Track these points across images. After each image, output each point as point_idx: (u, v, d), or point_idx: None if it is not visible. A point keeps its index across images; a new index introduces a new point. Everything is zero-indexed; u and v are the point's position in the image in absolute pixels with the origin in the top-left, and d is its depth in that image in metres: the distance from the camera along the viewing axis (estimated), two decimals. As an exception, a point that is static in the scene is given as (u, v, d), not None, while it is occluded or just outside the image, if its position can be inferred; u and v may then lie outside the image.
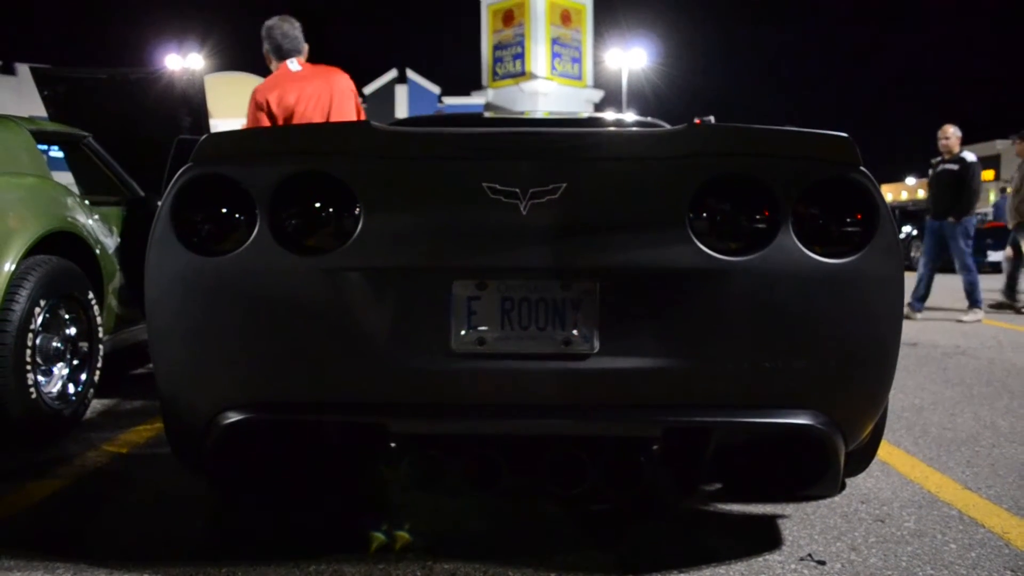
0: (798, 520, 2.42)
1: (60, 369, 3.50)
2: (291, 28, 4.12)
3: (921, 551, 2.21)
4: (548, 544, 2.26)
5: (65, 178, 4.96)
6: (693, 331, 1.91)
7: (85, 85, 5.86)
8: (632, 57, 36.62)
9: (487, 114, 3.70)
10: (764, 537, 2.30)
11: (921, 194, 62.62)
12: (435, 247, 1.91)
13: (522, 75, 39.42)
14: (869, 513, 2.49)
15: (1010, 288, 8.91)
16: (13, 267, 3.15)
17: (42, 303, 3.27)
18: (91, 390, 3.65)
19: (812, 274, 1.90)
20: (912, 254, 17.47)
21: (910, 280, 8.16)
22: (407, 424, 2.00)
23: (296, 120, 3.61)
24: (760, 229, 1.93)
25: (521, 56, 39.60)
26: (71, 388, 3.52)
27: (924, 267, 8.31)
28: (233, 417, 1.93)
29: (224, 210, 1.97)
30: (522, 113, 4.03)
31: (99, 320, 3.72)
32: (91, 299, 3.65)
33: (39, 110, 5.86)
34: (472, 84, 41.42)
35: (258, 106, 3.74)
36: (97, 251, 3.82)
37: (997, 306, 8.93)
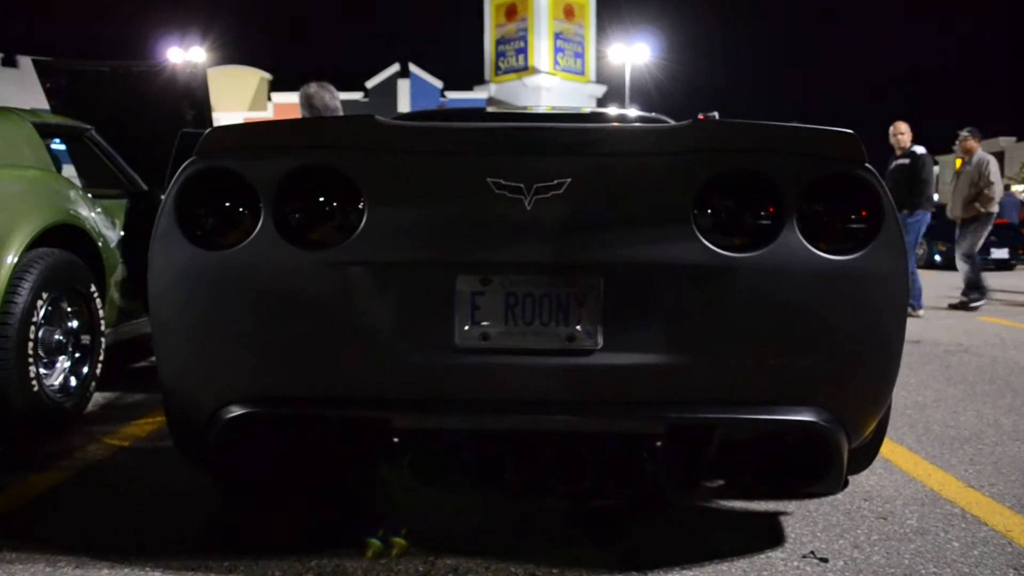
0: (800, 517, 2.41)
1: (62, 362, 3.50)
2: (332, 99, 4.09)
3: (924, 549, 2.21)
4: (550, 540, 2.26)
5: (67, 171, 4.97)
6: (697, 327, 1.91)
7: (87, 78, 5.85)
8: (635, 52, 36.57)
9: (490, 109, 3.68)
10: (767, 534, 2.30)
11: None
12: (439, 242, 1.90)
13: (525, 70, 39.38)
14: (872, 511, 2.49)
15: (971, 286, 8.73)
16: (16, 260, 3.15)
17: (44, 296, 3.26)
18: (93, 383, 3.65)
19: (816, 271, 1.89)
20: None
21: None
22: (410, 419, 2.00)
23: None
24: (765, 225, 1.92)
25: (524, 51, 39.56)
26: (73, 381, 3.52)
27: None
28: (236, 411, 1.92)
29: (228, 204, 1.97)
30: (525, 108, 4.02)
31: (101, 313, 3.72)
32: (93, 292, 3.65)
33: (41, 103, 5.86)
34: (475, 78, 41.39)
35: None
36: (99, 244, 3.82)
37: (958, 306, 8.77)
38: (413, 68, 39.83)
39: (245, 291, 1.92)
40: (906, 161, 8.08)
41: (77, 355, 3.58)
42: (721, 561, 2.11)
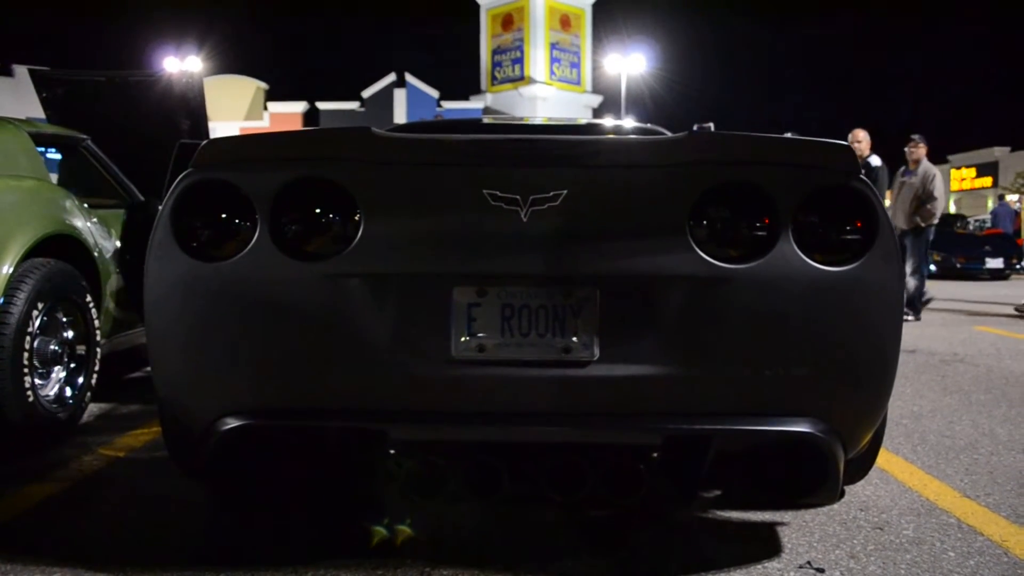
0: (797, 527, 2.41)
1: (57, 372, 3.49)
2: None
3: (920, 559, 2.21)
4: (547, 551, 2.25)
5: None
6: (693, 339, 1.91)
7: (83, 88, 5.86)
8: (631, 62, 36.65)
9: (486, 119, 3.69)
10: (763, 544, 2.30)
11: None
12: (435, 253, 1.91)
13: (521, 80, 39.51)
14: (868, 521, 2.49)
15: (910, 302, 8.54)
16: (11, 270, 3.14)
17: (40, 306, 3.26)
18: (88, 393, 3.64)
19: (812, 282, 1.90)
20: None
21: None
22: (407, 431, 2.00)
23: None
24: (760, 237, 1.93)
25: (520, 61, 39.70)
26: (68, 391, 3.51)
27: None
28: (232, 423, 1.92)
29: (224, 215, 1.97)
30: (521, 118, 4.03)
31: (97, 323, 3.71)
32: (89, 302, 3.65)
33: (37, 112, 5.86)
34: (471, 88, 41.52)
35: None
36: (95, 254, 3.82)
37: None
38: (409, 78, 39.90)
39: (241, 303, 1.92)
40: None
41: (72, 365, 3.57)
42: (718, 572, 2.11)
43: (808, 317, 1.91)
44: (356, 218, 1.90)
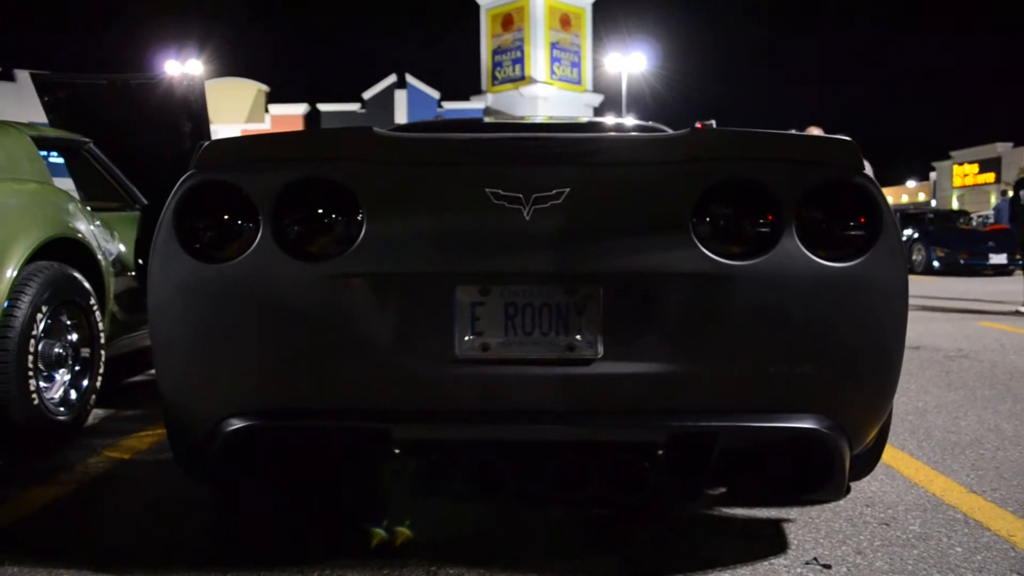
0: (803, 524, 2.41)
1: (62, 375, 3.49)
2: None
3: (927, 554, 2.21)
4: (553, 549, 2.25)
5: (66, 184, 4.97)
6: (697, 336, 1.91)
7: (85, 91, 5.86)
8: (632, 61, 36.65)
9: (487, 119, 3.69)
10: (769, 541, 2.29)
11: (921, 197, 62.70)
12: (438, 253, 1.90)
13: (521, 79, 39.51)
14: (874, 516, 2.49)
15: None
16: (15, 273, 3.15)
17: (44, 309, 3.26)
18: (93, 396, 3.64)
19: (816, 278, 1.89)
20: (913, 257, 17.50)
21: (913, 284, 8.15)
22: (411, 430, 1.99)
23: None
24: (764, 233, 1.93)
25: (520, 60, 39.70)
26: (73, 394, 3.51)
27: None
28: (236, 424, 1.92)
29: (227, 217, 1.97)
30: (522, 117, 4.03)
31: (101, 326, 3.72)
32: (93, 305, 3.65)
33: (39, 116, 5.87)
34: (471, 89, 41.54)
35: None
36: (99, 257, 3.82)
37: None
38: (410, 79, 39.95)
39: (244, 304, 1.92)
40: None
41: (77, 368, 3.58)
42: (724, 569, 2.11)
43: (812, 313, 1.90)
44: (359, 218, 1.90)
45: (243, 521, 2.52)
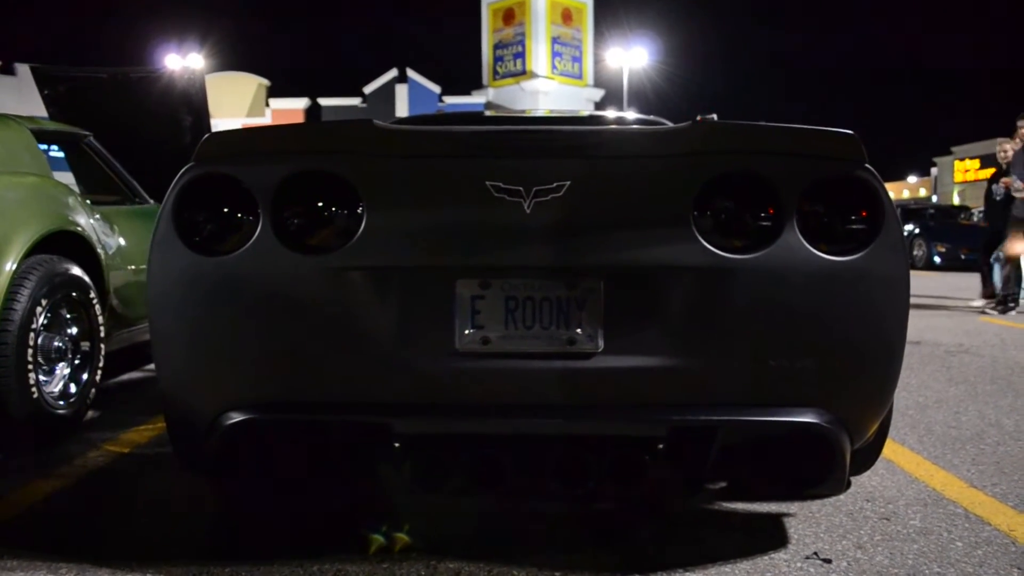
0: (803, 518, 2.41)
1: (62, 369, 3.49)
2: None
3: (927, 549, 2.21)
4: (553, 543, 2.25)
5: (66, 178, 4.97)
6: (698, 329, 1.90)
7: (85, 84, 5.85)
8: (633, 56, 36.56)
9: (488, 113, 3.68)
10: (769, 536, 2.29)
11: (923, 192, 62.63)
12: (438, 246, 1.90)
13: (523, 74, 39.47)
14: (875, 511, 2.49)
15: None
16: (15, 267, 3.14)
17: (43, 303, 3.26)
18: (93, 390, 3.64)
19: (817, 272, 1.89)
20: (915, 252, 17.49)
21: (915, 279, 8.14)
22: (411, 424, 1.99)
23: None
24: (765, 227, 1.92)
25: (522, 55, 39.65)
26: (73, 388, 3.51)
27: None
28: (236, 417, 1.92)
29: (226, 209, 1.96)
30: (523, 111, 4.02)
31: (100, 320, 3.71)
32: (92, 299, 3.64)
33: (39, 111, 5.86)
34: (473, 83, 41.51)
35: None
36: (99, 250, 3.81)
37: None
38: (411, 73, 39.90)
39: (244, 297, 1.92)
40: None
41: (77, 362, 3.58)
42: (724, 563, 2.11)
43: (813, 307, 1.90)
44: (359, 211, 1.90)
45: (242, 515, 2.52)
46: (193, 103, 5.90)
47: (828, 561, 2.12)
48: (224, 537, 2.37)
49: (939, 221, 18.79)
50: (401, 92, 39.80)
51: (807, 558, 2.14)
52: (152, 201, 4.73)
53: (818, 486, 2.09)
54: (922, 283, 12.25)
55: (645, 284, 1.91)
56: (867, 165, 1.95)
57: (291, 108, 39.68)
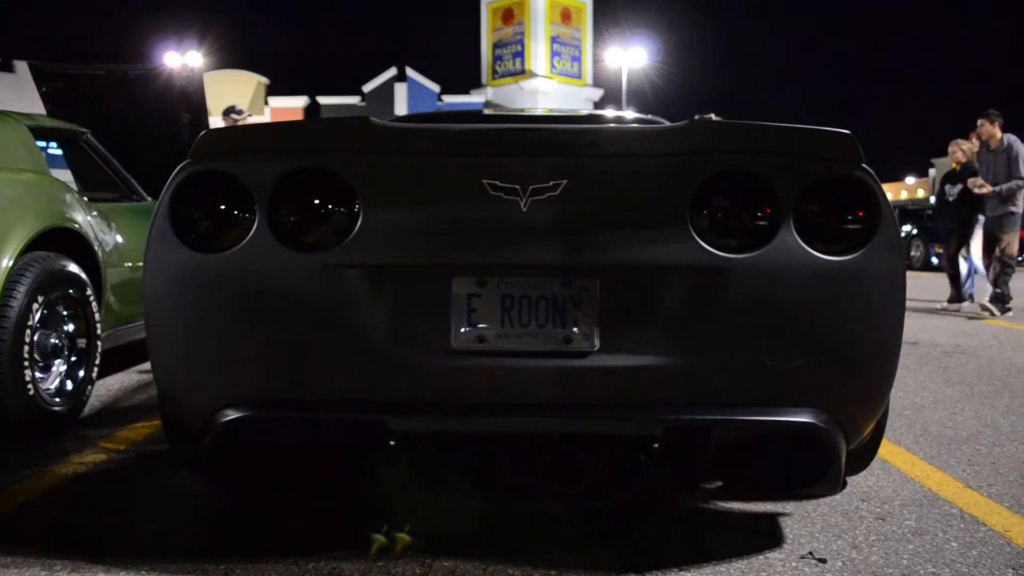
0: (799, 518, 2.41)
1: (58, 366, 3.49)
2: None
3: (922, 549, 2.21)
4: (548, 542, 2.25)
5: (63, 175, 4.96)
6: (694, 328, 1.90)
7: (84, 82, 5.85)
8: (632, 56, 36.57)
9: (487, 111, 3.67)
10: (765, 535, 2.29)
11: (921, 193, 62.62)
12: (435, 244, 1.90)
13: (522, 73, 39.44)
14: (870, 511, 2.49)
15: None
16: (11, 263, 3.14)
17: (40, 299, 3.26)
18: (89, 387, 3.64)
19: (814, 271, 1.89)
20: (912, 253, 17.48)
21: (912, 280, 8.15)
22: (407, 422, 1.99)
23: None
24: (761, 226, 1.92)
25: (521, 54, 39.63)
26: (69, 384, 3.51)
27: None
28: (231, 415, 1.91)
29: (223, 206, 1.96)
30: (522, 110, 4.02)
31: (97, 317, 3.71)
32: (89, 295, 3.64)
33: (38, 108, 5.85)
34: (472, 82, 41.47)
35: None
36: (96, 248, 3.81)
37: None
38: (410, 72, 39.88)
39: (240, 294, 1.91)
40: None
41: (73, 359, 3.57)
42: (719, 562, 2.11)
43: (809, 307, 1.90)
44: (355, 208, 1.89)
45: (238, 512, 2.51)
46: (191, 101, 5.89)
47: (823, 561, 2.12)
48: (219, 534, 2.37)
49: (937, 222, 18.77)
50: (400, 91, 39.77)
51: (802, 558, 2.14)
52: (150, 199, 4.72)
53: (814, 486, 2.09)
54: (920, 284, 12.26)
55: (641, 283, 1.91)
56: (864, 165, 1.95)
57: (290, 106, 39.65)
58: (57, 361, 3.48)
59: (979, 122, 8.31)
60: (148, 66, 6.18)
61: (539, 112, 3.90)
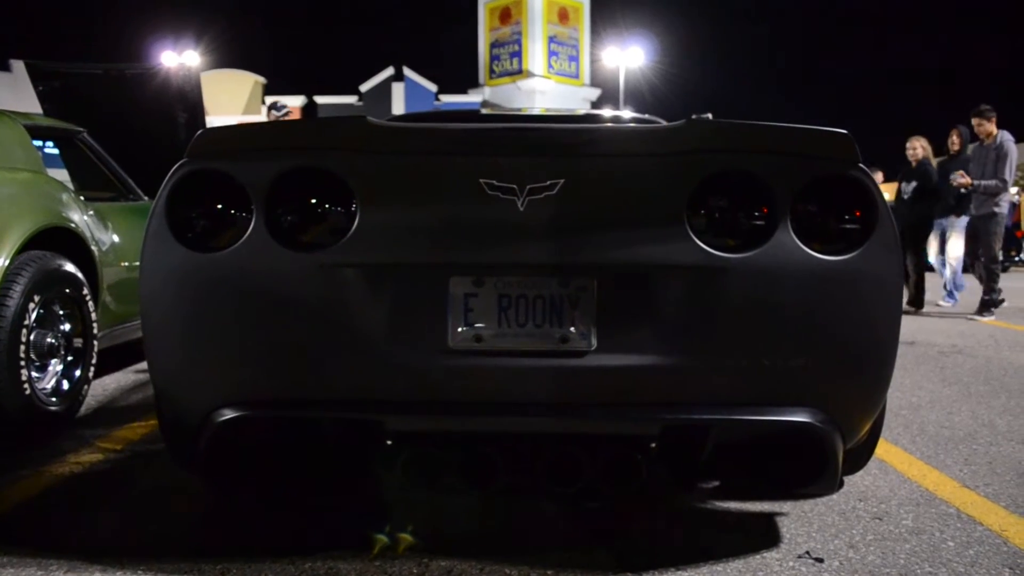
0: (796, 518, 2.41)
1: (54, 365, 3.48)
2: None
3: (919, 549, 2.21)
4: (545, 541, 2.25)
5: (60, 174, 4.95)
6: (691, 328, 1.90)
7: (80, 81, 5.84)
8: (629, 55, 36.59)
9: (484, 111, 3.67)
10: (762, 535, 2.29)
11: (917, 193, 62.62)
12: (432, 243, 1.89)
13: (519, 73, 39.42)
14: (867, 511, 2.49)
15: None
16: (7, 263, 3.13)
17: (36, 299, 3.25)
18: (86, 386, 3.64)
19: (810, 271, 1.89)
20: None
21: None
22: (404, 421, 1.99)
23: None
24: (758, 226, 1.92)
25: (518, 54, 39.60)
26: (65, 384, 3.50)
27: None
28: (228, 414, 1.91)
29: (219, 206, 1.96)
30: (519, 110, 4.01)
31: (94, 316, 3.70)
32: (86, 295, 3.64)
33: (34, 107, 5.84)
34: (469, 82, 41.44)
35: None
36: (92, 247, 3.81)
37: None
38: (407, 72, 39.85)
39: (236, 293, 1.91)
40: None
41: (69, 358, 3.57)
42: (716, 562, 2.10)
43: (806, 306, 1.90)
44: (352, 208, 1.89)
45: (234, 511, 2.51)
46: (188, 100, 5.89)
47: (820, 560, 2.12)
48: (216, 534, 2.36)
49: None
50: (397, 90, 39.73)
51: (799, 557, 2.14)
52: (146, 198, 4.72)
53: (810, 485, 2.09)
54: (917, 284, 12.25)
55: (638, 282, 1.91)
56: (861, 165, 1.95)
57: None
58: (53, 361, 3.48)
59: (975, 121, 8.29)
60: (145, 65, 6.18)
61: (536, 112, 3.90)
